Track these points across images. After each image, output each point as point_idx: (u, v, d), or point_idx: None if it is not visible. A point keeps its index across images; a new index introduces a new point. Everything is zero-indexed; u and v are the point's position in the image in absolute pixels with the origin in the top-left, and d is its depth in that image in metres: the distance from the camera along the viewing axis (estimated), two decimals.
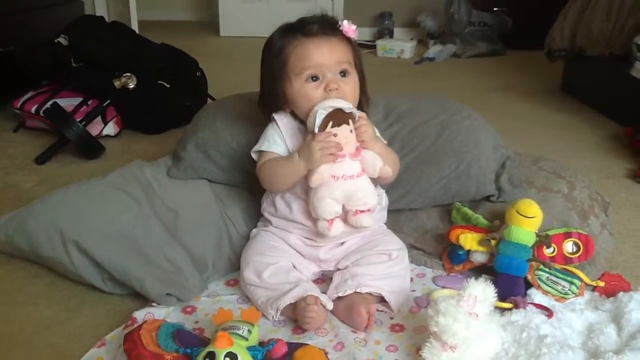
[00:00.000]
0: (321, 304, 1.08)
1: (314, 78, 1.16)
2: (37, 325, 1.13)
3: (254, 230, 1.29)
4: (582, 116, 2.38)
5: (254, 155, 1.24)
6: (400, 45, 3.60)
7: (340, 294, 1.12)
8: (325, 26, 1.18)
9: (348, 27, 1.19)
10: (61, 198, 1.29)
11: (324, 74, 1.16)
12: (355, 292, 1.12)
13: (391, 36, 3.85)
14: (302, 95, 1.16)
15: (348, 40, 1.20)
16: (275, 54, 1.18)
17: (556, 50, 2.57)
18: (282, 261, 1.19)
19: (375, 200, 1.17)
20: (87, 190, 1.31)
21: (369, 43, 3.69)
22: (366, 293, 1.12)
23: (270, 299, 1.12)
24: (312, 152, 1.11)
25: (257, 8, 4.05)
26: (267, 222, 1.27)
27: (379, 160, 1.14)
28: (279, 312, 1.11)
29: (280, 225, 1.24)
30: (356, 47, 1.22)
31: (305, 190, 1.17)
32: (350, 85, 1.18)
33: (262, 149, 1.22)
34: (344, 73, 1.18)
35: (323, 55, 1.16)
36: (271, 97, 1.20)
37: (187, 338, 0.98)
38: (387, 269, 1.18)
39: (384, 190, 1.32)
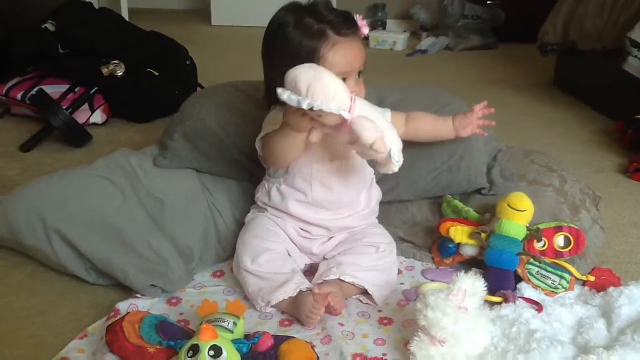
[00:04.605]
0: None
1: (344, 80, 1.10)
2: (18, 316, 1.11)
3: (249, 215, 1.26)
4: (574, 110, 2.37)
5: (258, 146, 1.17)
6: (393, 37, 3.57)
7: (324, 279, 1.11)
8: (352, 24, 1.12)
9: (362, 24, 1.14)
10: (45, 186, 1.27)
11: (350, 77, 1.12)
12: (339, 279, 1.11)
13: (384, 28, 3.82)
14: None
15: (360, 38, 1.15)
16: (305, 52, 1.07)
17: (549, 45, 2.55)
18: (279, 247, 1.17)
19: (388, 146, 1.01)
20: (71, 179, 1.29)
21: None
22: (349, 283, 1.11)
23: (262, 290, 1.11)
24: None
25: None
26: (262, 209, 1.24)
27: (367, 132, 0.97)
28: (270, 305, 1.09)
29: (275, 214, 1.22)
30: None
31: (306, 180, 1.14)
32: (363, 85, 1.16)
33: (269, 133, 1.13)
34: (358, 74, 1.14)
35: (356, 60, 1.12)
36: None
37: (171, 330, 0.96)
38: (374, 261, 1.16)
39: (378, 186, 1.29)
